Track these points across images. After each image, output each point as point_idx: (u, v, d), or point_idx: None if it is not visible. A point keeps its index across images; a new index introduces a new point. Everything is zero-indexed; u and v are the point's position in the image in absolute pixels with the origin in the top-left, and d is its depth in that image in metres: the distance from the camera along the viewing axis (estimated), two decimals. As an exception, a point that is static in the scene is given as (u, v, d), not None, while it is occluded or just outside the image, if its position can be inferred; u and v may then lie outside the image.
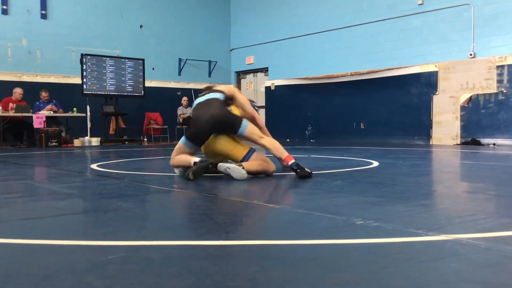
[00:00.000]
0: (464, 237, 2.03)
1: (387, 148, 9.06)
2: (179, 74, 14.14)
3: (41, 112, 10.59)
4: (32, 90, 11.00)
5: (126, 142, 11.94)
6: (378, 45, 11.46)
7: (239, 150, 4.41)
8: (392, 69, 11.14)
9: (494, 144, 9.49)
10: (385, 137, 11.32)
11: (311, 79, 12.85)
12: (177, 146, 4.52)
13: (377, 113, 11.58)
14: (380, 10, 11.37)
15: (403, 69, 10.97)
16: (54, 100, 11.07)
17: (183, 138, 4.48)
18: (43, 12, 11.83)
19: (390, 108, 11.32)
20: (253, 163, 4.28)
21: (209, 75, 14.75)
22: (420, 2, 10.58)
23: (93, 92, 11.56)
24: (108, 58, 11.88)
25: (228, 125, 4.35)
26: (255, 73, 14.90)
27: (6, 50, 11.27)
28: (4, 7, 11.28)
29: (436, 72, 10.39)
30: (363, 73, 11.71)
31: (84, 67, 11.38)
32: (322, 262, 1.70)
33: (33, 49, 11.67)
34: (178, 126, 13.19)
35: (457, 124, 10.06)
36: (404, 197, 3.19)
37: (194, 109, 4.54)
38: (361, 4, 11.76)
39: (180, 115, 13.20)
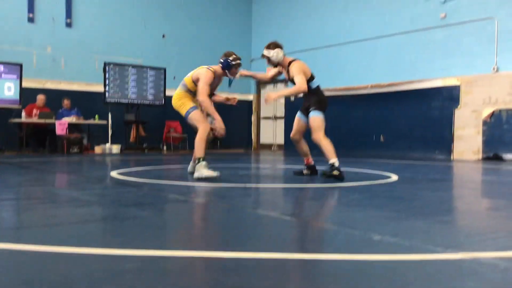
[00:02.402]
0: (483, 255, 2.00)
1: (407, 161, 8.97)
2: (200, 83, 14.27)
3: (64, 119, 10.77)
4: (55, 97, 11.20)
5: (146, 150, 12.04)
6: (400, 57, 11.40)
7: (184, 107, 5.24)
8: (414, 82, 11.05)
9: (517, 160, 9.33)
10: (405, 150, 11.21)
11: (331, 90, 12.82)
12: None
13: (398, 126, 11.48)
14: (403, 22, 11.32)
15: (424, 82, 10.87)
16: (76, 108, 11.24)
17: None
18: (68, 20, 12.06)
19: (411, 121, 11.22)
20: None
21: (229, 85, 14.73)
22: (443, 16, 10.51)
23: (114, 100, 11.71)
24: (130, 67, 12.05)
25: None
26: (275, 84, 14.93)
27: (32, 58, 11.51)
28: (30, 15, 11.54)
29: (459, 86, 10.28)
30: (384, 86, 11.64)
31: (106, 75, 11.55)
32: (338, 278, 1.69)
33: (57, 56, 11.89)
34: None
35: (479, 139, 9.92)
36: (423, 213, 3.15)
37: None
38: (383, 16, 11.73)
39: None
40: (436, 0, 10.68)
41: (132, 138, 12.34)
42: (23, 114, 10.40)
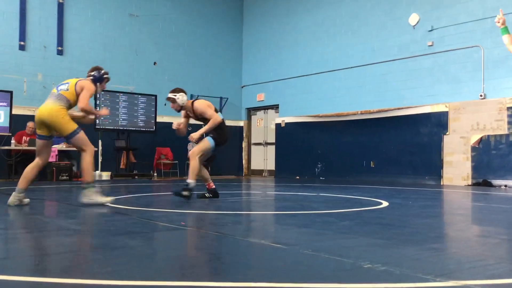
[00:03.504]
0: (473, 283, 2.00)
1: (397, 187, 9.00)
2: (191, 110, 14.32)
3: (53, 146, 10.71)
4: (45, 124, 11.15)
5: (136, 177, 11.98)
6: (389, 84, 11.55)
7: (69, 124, 5.08)
8: (402, 108, 11.18)
9: (505, 186, 9.39)
10: (395, 176, 11.26)
11: (321, 116, 12.93)
12: None
13: (387, 152, 11.56)
14: (391, 50, 11.51)
15: (413, 109, 11.00)
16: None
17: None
18: (60, 48, 12.11)
19: (400, 147, 11.30)
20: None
21: (220, 111, 14.86)
22: (430, 44, 10.70)
23: (105, 127, 11.70)
24: (121, 94, 12.08)
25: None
26: (266, 110, 15.02)
27: (22, 85, 11.51)
28: (22, 43, 11.58)
29: (447, 112, 10.40)
30: (373, 112, 11.76)
31: (97, 102, 11.56)
32: (328, 308, 1.68)
33: (48, 84, 11.89)
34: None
35: (468, 164, 10.00)
36: (413, 240, 3.15)
37: None
38: (371, 44, 11.92)
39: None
40: (423, 29, 10.89)
41: (122, 165, 12.28)
42: (13, 141, 10.35)
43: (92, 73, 5.43)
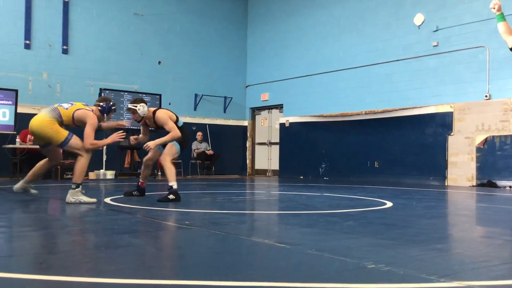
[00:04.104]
0: (477, 284, 2.00)
1: (401, 188, 8.98)
2: (195, 109, 14.31)
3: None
4: (50, 123, 11.18)
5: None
6: (393, 84, 11.52)
7: (59, 134, 5.17)
8: (407, 108, 11.15)
9: (510, 187, 9.35)
10: (400, 176, 11.24)
11: (325, 116, 12.92)
12: None
13: (392, 152, 11.53)
14: (396, 50, 11.48)
15: (418, 109, 10.98)
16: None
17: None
18: (65, 47, 12.14)
19: (404, 147, 11.28)
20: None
21: (224, 111, 14.91)
22: (435, 44, 10.67)
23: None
24: (125, 93, 12.10)
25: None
26: (270, 110, 15.01)
27: (27, 84, 11.55)
28: (27, 41, 11.61)
29: (451, 112, 10.37)
30: (378, 112, 11.74)
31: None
32: (332, 307, 1.68)
33: (53, 83, 11.94)
34: (192, 161, 13.26)
35: (473, 165, 9.96)
36: (417, 240, 3.15)
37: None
38: (376, 44, 11.89)
39: (194, 150, 13.28)
40: (428, 29, 10.86)
41: (127, 164, 12.31)
42: (18, 139, 10.39)
43: (101, 104, 5.55)
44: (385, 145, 11.66)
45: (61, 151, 5.62)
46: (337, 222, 3.96)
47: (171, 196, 5.52)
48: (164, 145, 5.92)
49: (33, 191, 5.63)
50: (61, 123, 5.27)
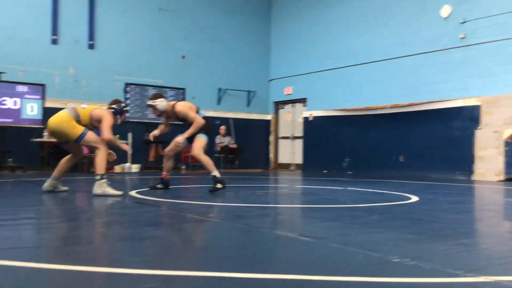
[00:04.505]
0: (504, 279, 1.96)
1: (427, 182, 8.86)
2: (218, 103, 14.36)
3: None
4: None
5: (165, 170, 12.11)
6: (419, 78, 11.34)
7: (75, 129, 5.30)
8: (433, 102, 10.98)
9: (540, 182, 9.14)
10: (425, 171, 11.08)
11: (349, 110, 12.81)
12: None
13: (417, 146, 11.38)
14: (422, 43, 11.29)
15: (444, 103, 10.79)
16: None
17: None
18: (91, 42, 12.30)
19: (430, 141, 11.11)
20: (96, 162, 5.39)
21: (248, 105, 14.92)
22: (463, 36, 10.46)
23: (135, 120, 11.85)
24: (150, 88, 12.21)
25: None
26: (294, 104, 14.96)
27: (54, 78, 11.74)
28: (54, 37, 11.80)
29: (479, 106, 10.17)
30: (403, 106, 11.58)
31: (127, 96, 11.72)
32: (356, 301, 1.67)
33: (79, 77, 12.12)
34: (216, 155, 13.32)
35: (501, 159, 9.76)
36: (443, 235, 3.10)
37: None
38: (402, 37, 11.72)
39: (218, 143, 13.34)
40: (456, 21, 10.65)
41: (151, 157, 12.43)
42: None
43: (113, 106, 5.73)
44: (410, 139, 11.51)
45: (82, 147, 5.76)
46: (361, 216, 3.93)
47: (218, 185, 5.64)
48: (190, 139, 5.97)
49: (62, 188, 5.74)
50: (79, 122, 5.43)
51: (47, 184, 5.62)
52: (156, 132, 6.15)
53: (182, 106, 5.90)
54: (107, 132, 5.41)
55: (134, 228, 3.33)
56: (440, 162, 10.87)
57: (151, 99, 5.99)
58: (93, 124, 5.53)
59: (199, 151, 5.85)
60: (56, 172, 5.65)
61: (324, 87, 13.55)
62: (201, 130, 5.91)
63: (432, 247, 2.70)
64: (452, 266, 2.17)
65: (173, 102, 6.04)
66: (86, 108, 5.54)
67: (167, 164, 6.19)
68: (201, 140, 5.90)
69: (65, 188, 5.79)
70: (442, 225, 3.55)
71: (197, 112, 5.96)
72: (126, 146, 6.02)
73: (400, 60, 11.74)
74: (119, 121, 5.78)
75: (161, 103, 5.89)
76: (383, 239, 2.89)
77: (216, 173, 5.71)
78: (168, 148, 6.15)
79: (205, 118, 6.02)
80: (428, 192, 6.48)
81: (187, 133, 5.86)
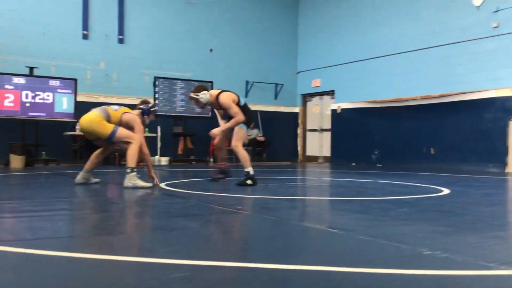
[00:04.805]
0: (540, 273, 1.91)
1: (458, 175, 8.70)
2: (246, 96, 14.36)
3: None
4: (107, 111, 11.56)
5: (193, 162, 12.22)
6: (450, 68, 11.11)
7: (106, 127, 5.40)
8: (465, 93, 10.74)
9: None
10: (457, 163, 10.88)
11: (379, 102, 12.65)
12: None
13: (449, 138, 11.16)
14: (453, 32, 11.05)
15: (476, 93, 10.55)
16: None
17: None
18: (121, 37, 12.47)
19: (462, 133, 10.89)
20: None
21: (275, 98, 14.89)
22: (495, 25, 10.18)
23: (163, 113, 11.98)
24: (179, 81, 12.31)
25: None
26: (322, 96, 14.86)
27: (85, 73, 11.96)
28: (85, 32, 12.01)
29: (513, 96, 9.91)
30: (434, 97, 11.37)
31: (156, 89, 11.85)
32: (386, 292, 1.66)
33: (110, 72, 12.31)
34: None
35: (536, 151, 9.50)
36: (475, 228, 3.05)
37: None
38: (433, 27, 11.49)
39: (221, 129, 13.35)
40: (488, 10, 10.37)
41: (180, 150, 12.56)
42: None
43: (141, 107, 5.87)
44: (441, 131, 11.31)
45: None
46: (391, 209, 3.89)
47: (248, 182, 5.69)
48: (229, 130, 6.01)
49: (94, 180, 5.86)
50: (109, 122, 5.53)
51: (79, 177, 5.74)
52: (215, 132, 6.13)
53: (225, 98, 5.86)
54: (139, 132, 5.56)
55: (164, 219, 3.38)
56: (472, 154, 10.65)
57: (194, 92, 6.04)
58: (123, 126, 5.62)
59: (238, 143, 5.91)
60: (88, 165, 5.78)
61: (352, 79, 13.42)
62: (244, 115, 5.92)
63: (464, 239, 2.66)
64: (485, 259, 2.13)
65: (216, 92, 6.00)
66: (118, 110, 5.65)
67: (220, 154, 6.32)
68: (241, 132, 5.93)
69: (97, 180, 5.91)
70: (475, 218, 3.48)
71: (238, 100, 5.94)
72: (155, 177, 5.90)
73: (430, 50, 11.52)
74: (147, 121, 5.92)
75: (204, 96, 5.93)
76: (413, 232, 2.85)
77: (250, 169, 5.74)
78: (216, 142, 6.30)
79: (245, 105, 6.00)
80: (460, 185, 6.37)
81: (224, 127, 5.91)
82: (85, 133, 5.66)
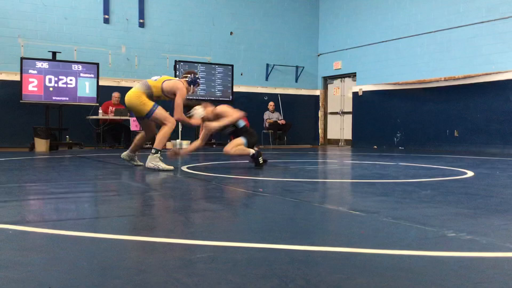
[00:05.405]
0: None
1: (483, 157, 8.56)
2: (267, 79, 14.32)
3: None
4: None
5: (214, 146, 12.27)
6: (475, 49, 10.87)
7: (146, 105, 5.45)
8: (491, 74, 10.51)
9: None
10: (482, 146, 10.70)
11: (401, 84, 12.47)
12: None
13: (473, 120, 10.97)
14: (478, 12, 10.78)
15: (502, 74, 10.31)
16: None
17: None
18: (141, 21, 12.50)
19: (487, 115, 10.68)
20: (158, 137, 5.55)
21: (296, 80, 14.80)
22: (523, 3, 9.90)
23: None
24: (199, 64, 12.31)
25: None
26: (343, 78, 14.71)
27: (107, 57, 12.04)
28: (106, 16, 12.07)
29: (540, 77, 9.66)
30: (459, 78, 11.16)
31: (177, 73, 11.88)
32: (410, 274, 1.65)
33: (131, 56, 12.37)
34: (264, 131, 13.34)
35: None
36: (500, 210, 3.00)
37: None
38: (457, 6, 11.22)
39: (266, 119, 13.35)
40: (516, -13, 10.08)
41: (201, 134, 12.60)
42: (100, 111, 10.92)
43: (188, 75, 5.84)
44: (466, 113, 11.11)
45: (154, 125, 5.88)
46: (414, 191, 3.85)
47: (260, 160, 5.79)
48: (235, 135, 6.09)
49: (137, 162, 5.99)
50: (151, 95, 5.54)
51: (125, 153, 5.97)
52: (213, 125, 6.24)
53: (222, 110, 6.12)
54: (179, 111, 5.56)
55: (186, 201, 3.40)
56: (498, 136, 10.46)
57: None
58: (166, 95, 5.61)
59: (232, 149, 5.93)
60: (132, 146, 5.96)
61: (374, 61, 13.23)
62: (244, 133, 6.08)
63: (489, 222, 2.62)
64: (510, 241, 2.09)
65: (211, 109, 6.13)
66: (158, 80, 5.62)
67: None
68: (239, 141, 5.99)
69: (140, 163, 5.97)
70: (500, 200, 3.43)
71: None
72: (192, 145, 6.22)
73: (455, 30, 11.28)
74: (191, 91, 5.87)
75: (198, 111, 6.01)
76: (437, 214, 2.82)
77: (251, 151, 5.82)
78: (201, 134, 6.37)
79: (249, 127, 6.28)
80: (485, 167, 6.26)
81: (223, 122, 5.98)
82: (130, 110, 5.82)
